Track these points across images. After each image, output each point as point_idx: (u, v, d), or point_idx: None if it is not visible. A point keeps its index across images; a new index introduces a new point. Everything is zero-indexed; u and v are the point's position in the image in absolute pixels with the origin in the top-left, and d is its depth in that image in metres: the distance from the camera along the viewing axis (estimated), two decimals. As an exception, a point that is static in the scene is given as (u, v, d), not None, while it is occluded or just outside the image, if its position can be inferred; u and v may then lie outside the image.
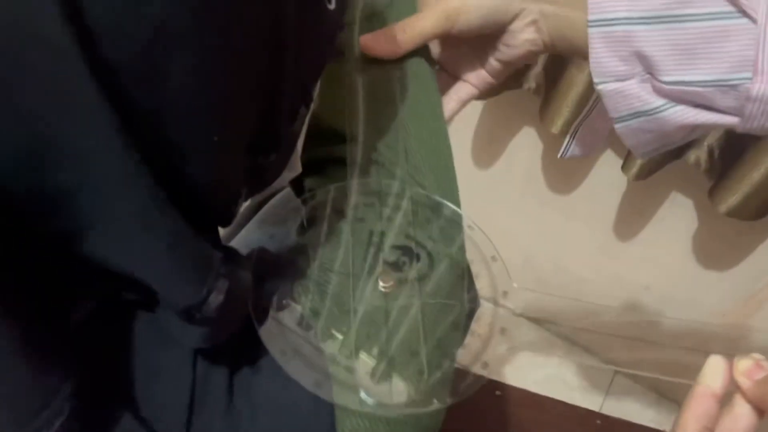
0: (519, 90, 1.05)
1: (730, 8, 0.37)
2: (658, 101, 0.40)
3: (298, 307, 0.34)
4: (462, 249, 0.38)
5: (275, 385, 0.34)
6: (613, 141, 1.09)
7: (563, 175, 1.21)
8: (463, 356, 0.34)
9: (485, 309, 0.35)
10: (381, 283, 0.35)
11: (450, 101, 0.51)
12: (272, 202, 0.72)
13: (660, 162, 0.96)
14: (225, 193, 0.30)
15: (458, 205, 0.41)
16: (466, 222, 0.39)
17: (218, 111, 0.24)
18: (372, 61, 0.44)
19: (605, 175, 1.15)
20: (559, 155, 0.55)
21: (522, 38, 0.45)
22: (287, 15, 0.25)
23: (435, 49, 0.51)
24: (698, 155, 0.97)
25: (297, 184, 0.51)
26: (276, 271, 0.37)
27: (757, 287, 1.13)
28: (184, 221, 0.26)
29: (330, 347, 0.33)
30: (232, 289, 0.30)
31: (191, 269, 0.28)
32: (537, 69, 1.02)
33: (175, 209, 0.26)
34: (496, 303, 0.36)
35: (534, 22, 0.44)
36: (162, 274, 0.27)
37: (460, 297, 0.37)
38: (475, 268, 0.37)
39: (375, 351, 0.32)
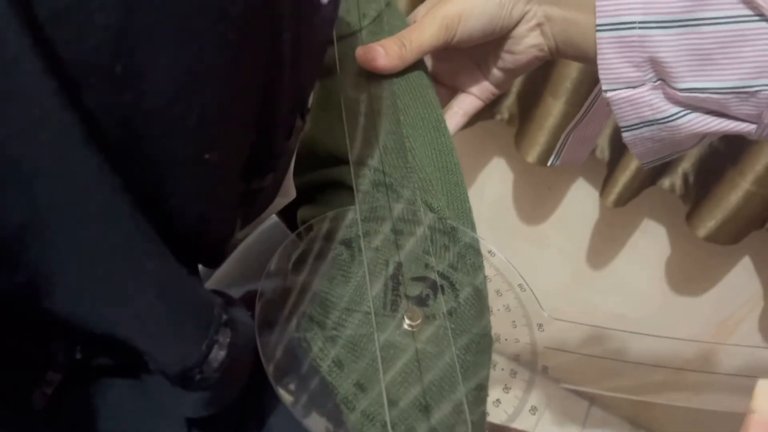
0: (491, 120, 1.04)
1: (748, 11, 0.35)
2: (671, 109, 0.38)
3: (317, 361, 0.29)
4: (485, 278, 0.35)
5: None
6: (585, 169, 1.08)
7: (534, 204, 1.20)
8: (508, 402, 0.30)
9: (522, 346, 0.32)
10: (407, 321, 0.30)
11: (455, 115, 0.47)
12: (247, 241, 0.66)
13: (638, 188, 0.96)
14: (219, 226, 0.25)
15: (473, 225, 0.37)
16: (485, 247, 0.36)
17: (209, 120, 0.20)
18: (368, 77, 0.41)
19: (577, 204, 1.14)
20: (549, 164, 0.52)
21: (526, 44, 0.43)
22: (284, 10, 0.21)
23: (428, 61, 0.48)
24: (673, 181, 0.97)
25: (288, 217, 0.46)
26: (277, 317, 0.32)
27: (730, 312, 1.14)
28: (176, 261, 0.22)
29: (357, 402, 0.28)
30: (235, 341, 0.25)
31: (188, 321, 0.23)
32: (510, 99, 1.01)
33: (165, 246, 0.21)
34: (534, 339, 0.32)
35: (538, 26, 0.42)
36: (152, 329, 0.22)
37: (488, 330, 0.33)
38: (505, 300, 0.34)
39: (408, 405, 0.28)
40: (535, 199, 1.18)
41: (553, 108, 0.91)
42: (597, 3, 0.38)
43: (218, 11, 0.18)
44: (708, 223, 0.92)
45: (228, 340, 0.25)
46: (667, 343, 0.41)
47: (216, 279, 0.63)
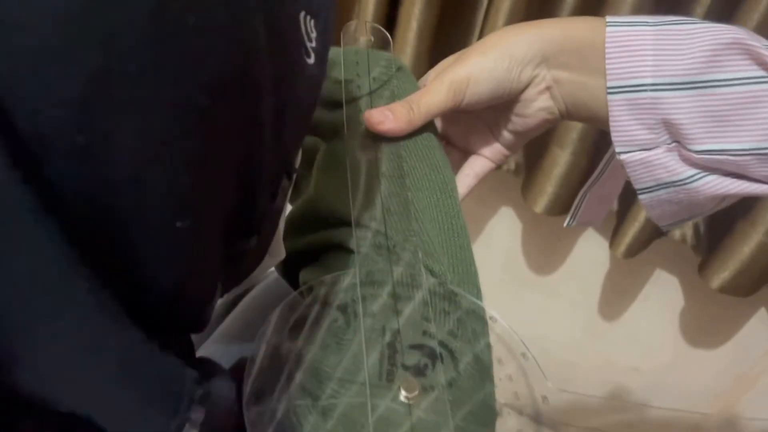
0: (497, 171, 1.04)
1: (762, 72, 0.34)
2: (687, 171, 0.38)
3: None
4: (488, 346, 0.33)
5: None
6: (594, 219, 1.07)
7: (544, 255, 1.18)
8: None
9: (526, 420, 0.30)
10: (404, 393, 0.29)
11: (466, 177, 0.47)
12: (252, 294, 0.65)
13: (648, 239, 0.94)
14: (197, 292, 0.24)
15: (478, 290, 0.36)
16: (486, 313, 0.34)
17: (181, 188, 0.19)
18: (375, 139, 0.40)
19: (587, 254, 1.13)
20: (564, 224, 0.51)
21: (536, 107, 0.42)
22: (262, 67, 0.20)
23: (439, 123, 0.47)
24: (684, 231, 0.96)
25: (291, 279, 0.45)
26: (268, 386, 0.31)
27: (748, 365, 1.11)
28: (143, 332, 0.20)
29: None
30: (210, 419, 0.23)
31: (155, 397, 0.21)
32: (515, 148, 1.00)
33: (128, 317, 0.20)
34: (539, 414, 0.30)
35: (548, 89, 0.41)
36: (116, 407, 0.20)
37: (490, 402, 0.31)
38: (507, 369, 0.32)
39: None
40: (544, 250, 1.17)
41: (560, 158, 0.90)
42: (607, 66, 0.37)
43: (189, 78, 0.17)
44: (721, 275, 0.90)
45: (201, 419, 0.23)
46: (678, 415, 0.39)
47: (217, 334, 0.62)
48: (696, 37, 0.36)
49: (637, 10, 0.73)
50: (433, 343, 0.32)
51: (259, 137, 0.22)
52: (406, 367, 0.30)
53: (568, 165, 0.90)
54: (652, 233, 0.94)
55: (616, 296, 1.16)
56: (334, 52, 0.46)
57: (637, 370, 1.22)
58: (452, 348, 0.32)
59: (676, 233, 0.96)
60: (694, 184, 0.38)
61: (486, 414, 0.31)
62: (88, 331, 0.18)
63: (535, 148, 0.96)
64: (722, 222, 0.90)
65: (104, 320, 0.18)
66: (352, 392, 0.30)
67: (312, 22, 0.24)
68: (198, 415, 0.22)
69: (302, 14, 0.24)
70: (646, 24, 0.38)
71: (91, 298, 0.17)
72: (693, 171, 0.38)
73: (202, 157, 0.19)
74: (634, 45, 0.37)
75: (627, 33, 0.37)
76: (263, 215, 0.26)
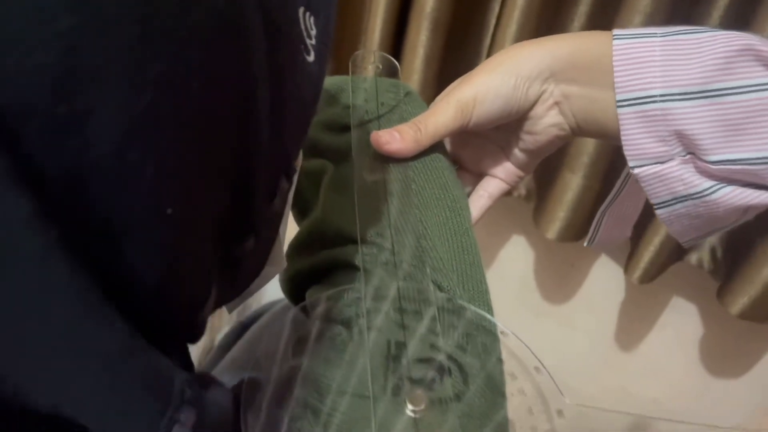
0: (508, 197, 1.03)
1: None
2: (704, 183, 0.37)
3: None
4: (500, 361, 0.32)
5: None
6: (610, 246, 1.05)
7: (557, 282, 1.16)
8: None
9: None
10: (410, 407, 0.28)
11: (480, 198, 0.46)
12: (259, 323, 0.64)
13: (664, 263, 0.92)
14: (187, 291, 0.23)
15: (489, 306, 0.35)
16: (498, 328, 0.33)
17: (169, 171, 0.18)
18: (384, 161, 0.40)
19: (602, 281, 1.11)
20: (585, 244, 0.50)
21: (545, 123, 0.41)
22: (258, 56, 0.20)
23: (450, 147, 0.47)
24: (700, 256, 0.94)
25: (298, 301, 0.44)
26: (270, 400, 0.29)
27: (772, 394, 1.07)
28: (128, 327, 0.19)
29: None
30: (202, 424, 0.22)
31: (141, 396, 0.20)
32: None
33: (113, 310, 0.18)
34: (553, 427, 0.29)
35: (557, 105, 0.40)
36: (99, 406, 0.19)
37: (502, 419, 0.30)
38: (519, 384, 0.31)
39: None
40: (558, 277, 1.15)
41: (571, 182, 0.89)
42: (615, 78, 0.37)
43: (178, 55, 0.16)
44: (741, 300, 0.88)
45: (192, 420, 0.22)
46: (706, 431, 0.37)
47: (224, 364, 0.60)
48: (706, 45, 0.35)
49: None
50: (441, 357, 0.30)
51: (255, 129, 0.21)
52: (412, 381, 0.29)
53: (580, 189, 0.89)
54: (669, 257, 0.92)
55: (632, 324, 1.14)
56: (342, 79, 0.46)
57: (657, 402, 1.19)
58: (461, 362, 0.31)
59: (693, 258, 0.94)
60: (712, 197, 0.37)
61: (498, 430, 0.29)
62: (69, 324, 0.17)
63: (546, 173, 0.95)
64: (740, 245, 0.88)
65: (86, 313, 0.17)
66: (355, 406, 0.28)
67: (312, 19, 0.24)
68: (188, 416, 0.21)
69: (301, 10, 0.23)
70: (654, 35, 0.37)
71: (71, 288, 0.16)
72: (710, 183, 0.37)
73: (193, 143, 0.18)
74: (642, 56, 0.37)
75: (634, 45, 0.37)
76: (260, 216, 0.25)
